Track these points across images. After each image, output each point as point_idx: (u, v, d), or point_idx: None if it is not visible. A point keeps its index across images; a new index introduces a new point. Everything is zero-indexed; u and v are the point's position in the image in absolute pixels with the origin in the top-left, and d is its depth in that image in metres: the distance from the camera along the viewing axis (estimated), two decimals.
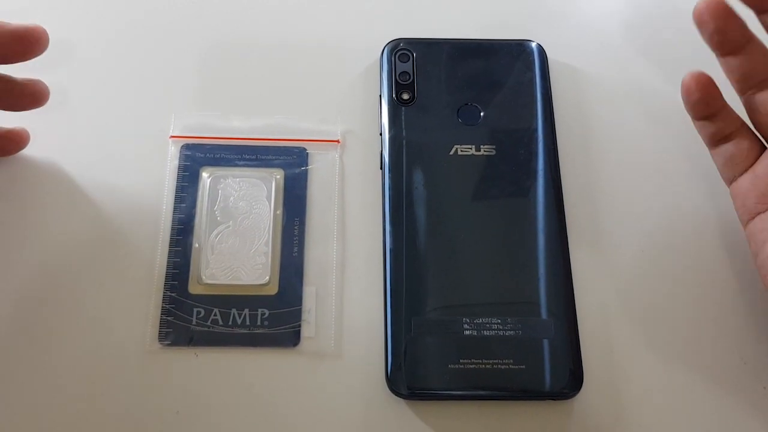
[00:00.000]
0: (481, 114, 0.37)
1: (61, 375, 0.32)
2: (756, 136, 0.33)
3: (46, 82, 0.35)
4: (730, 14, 0.30)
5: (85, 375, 0.32)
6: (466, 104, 0.37)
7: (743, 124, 0.33)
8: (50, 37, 0.32)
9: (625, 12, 0.43)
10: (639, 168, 0.38)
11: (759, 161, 0.33)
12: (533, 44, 0.39)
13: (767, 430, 0.32)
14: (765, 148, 0.33)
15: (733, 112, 0.33)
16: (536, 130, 0.37)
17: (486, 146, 0.36)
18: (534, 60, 0.39)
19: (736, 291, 0.35)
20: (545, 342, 0.32)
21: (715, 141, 0.34)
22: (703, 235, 0.36)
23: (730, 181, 0.34)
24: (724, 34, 0.30)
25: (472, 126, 0.37)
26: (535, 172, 0.36)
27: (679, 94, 0.33)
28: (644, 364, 0.33)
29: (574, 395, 0.32)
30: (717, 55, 0.32)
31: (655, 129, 0.39)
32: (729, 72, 0.32)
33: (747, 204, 0.33)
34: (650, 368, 0.33)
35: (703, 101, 0.32)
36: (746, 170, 0.33)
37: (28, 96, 0.35)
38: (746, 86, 0.32)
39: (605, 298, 0.35)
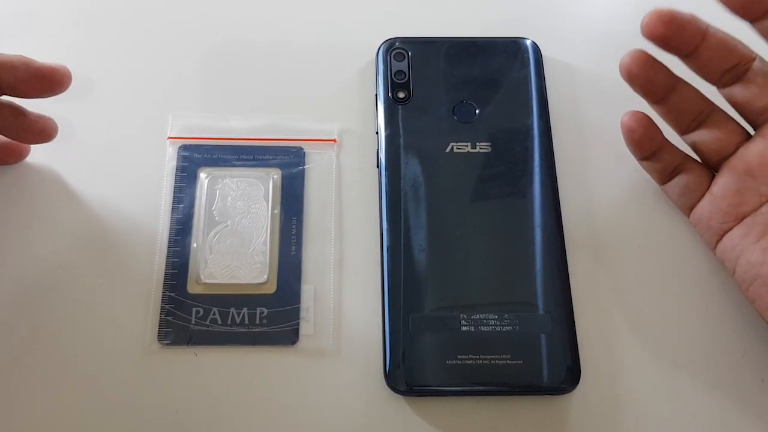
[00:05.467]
0: (477, 111, 0.37)
1: (61, 375, 0.32)
2: (703, 165, 0.34)
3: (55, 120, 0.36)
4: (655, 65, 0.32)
5: (85, 375, 0.32)
6: (462, 102, 0.38)
7: (687, 156, 0.35)
8: (48, 37, 0.33)
9: (620, 8, 0.43)
10: (634, 164, 0.38)
11: (713, 184, 0.34)
12: (528, 42, 0.40)
13: (765, 422, 0.32)
14: (714, 175, 0.34)
15: (676, 147, 0.35)
16: (531, 127, 0.37)
17: (482, 143, 0.37)
18: (529, 57, 0.39)
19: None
20: (542, 337, 0.32)
21: (665, 176, 0.35)
22: None
23: (689, 209, 0.35)
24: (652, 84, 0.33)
25: (467, 123, 0.37)
26: (531, 168, 0.36)
27: None
28: (641, 358, 0.33)
29: (571, 390, 0.32)
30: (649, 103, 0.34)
31: None
32: (666, 114, 0.34)
33: (712, 225, 0.33)
34: (647, 362, 0.33)
35: (647, 137, 0.34)
36: (703, 195, 0.34)
37: (36, 132, 0.35)
38: (686, 123, 0.34)
39: (602, 292, 0.35)
